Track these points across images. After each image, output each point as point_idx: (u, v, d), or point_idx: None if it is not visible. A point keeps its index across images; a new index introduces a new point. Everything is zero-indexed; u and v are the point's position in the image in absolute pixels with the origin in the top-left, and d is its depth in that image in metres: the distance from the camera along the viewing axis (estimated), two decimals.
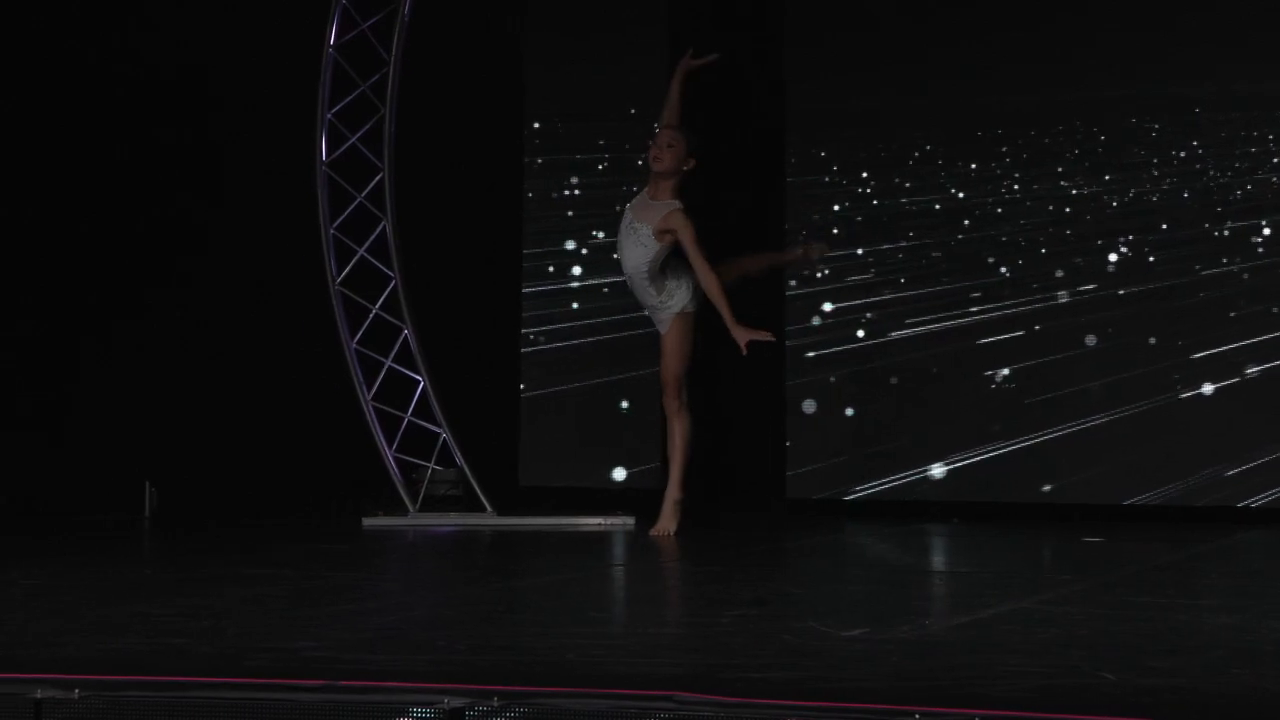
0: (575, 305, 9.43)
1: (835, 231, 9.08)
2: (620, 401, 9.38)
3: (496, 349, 9.52)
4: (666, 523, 7.52)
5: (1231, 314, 8.75)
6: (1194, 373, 8.76)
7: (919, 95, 9.09)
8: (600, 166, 9.52)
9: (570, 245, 9.48)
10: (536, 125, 9.56)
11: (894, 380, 9.10)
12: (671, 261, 7.46)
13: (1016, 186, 9.04)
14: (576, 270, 9.45)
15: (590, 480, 9.36)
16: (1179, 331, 8.79)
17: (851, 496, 9.07)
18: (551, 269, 9.48)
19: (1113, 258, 8.92)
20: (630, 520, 8.01)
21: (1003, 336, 9.03)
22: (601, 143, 9.53)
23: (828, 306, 9.13)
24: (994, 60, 9.05)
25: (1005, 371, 8.97)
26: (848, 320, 9.13)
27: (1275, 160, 8.74)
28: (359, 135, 8.09)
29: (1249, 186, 8.77)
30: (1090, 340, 8.87)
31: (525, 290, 9.49)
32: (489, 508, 8.05)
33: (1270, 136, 8.75)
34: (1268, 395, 8.69)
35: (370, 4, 8.06)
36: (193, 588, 5.50)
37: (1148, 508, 8.75)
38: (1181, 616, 4.87)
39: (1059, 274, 8.95)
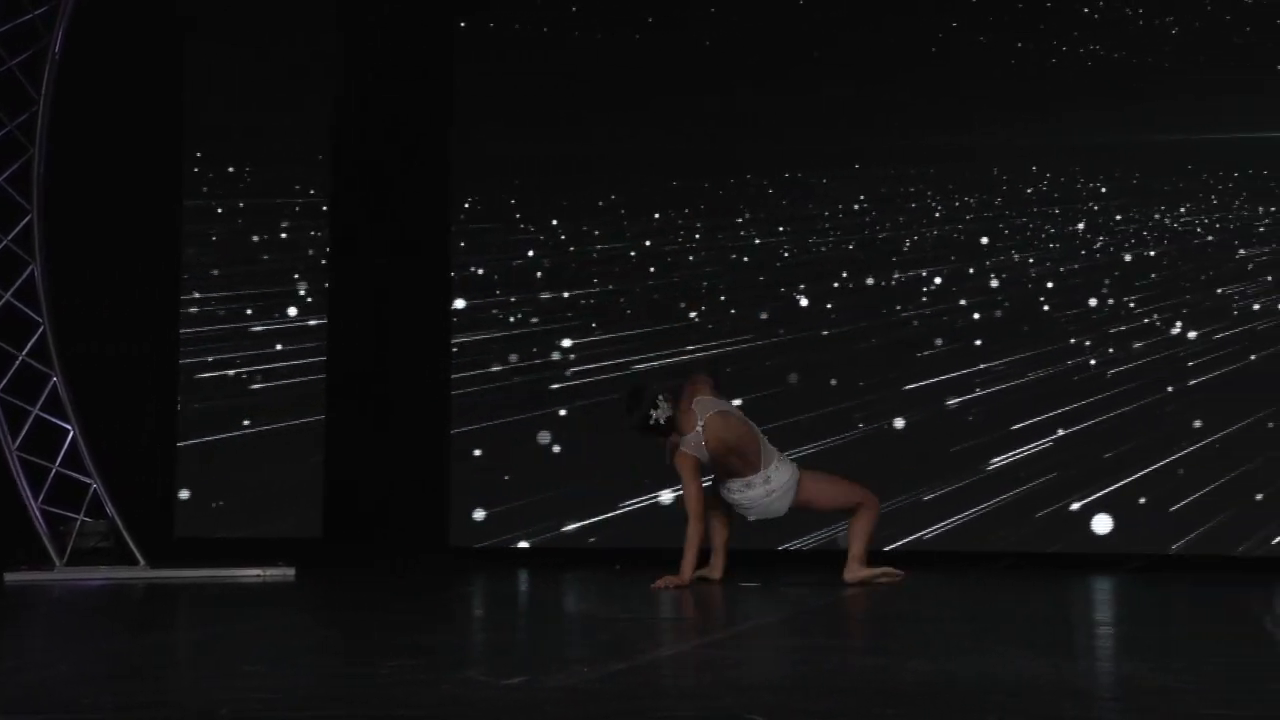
0: (236, 352, 9.27)
1: (539, 275, 9.20)
2: (281, 449, 9.24)
3: (152, 397, 9.28)
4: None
5: (918, 354, 9.07)
6: (871, 412, 9.05)
7: (603, 143, 9.25)
8: (261, 212, 9.39)
9: (231, 292, 9.32)
10: (196, 169, 9.39)
11: (570, 427, 9.17)
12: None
13: (699, 235, 9.23)
14: (237, 317, 9.29)
15: (249, 531, 9.19)
16: (858, 373, 9.07)
17: (518, 544, 9.09)
18: (211, 313, 9.30)
19: (804, 302, 9.16)
20: (290, 571, 7.87)
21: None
22: (262, 187, 9.40)
23: (514, 357, 9.19)
24: (678, 115, 9.27)
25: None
26: (524, 367, 9.23)
27: (939, 214, 9.12)
28: (5, 176, 7.82)
29: (915, 239, 9.13)
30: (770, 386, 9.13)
31: (183, 334, 9.29)
32: (141, 560, 7.83)
33: (929, 191, 9.13)
34: (928, 439, 9.02)
35: (18, 41, 7.81)
36: None
37: (800, 553, 8.98)
38: (831, 658, 5.00)
39: (763, 316, 9.16)
